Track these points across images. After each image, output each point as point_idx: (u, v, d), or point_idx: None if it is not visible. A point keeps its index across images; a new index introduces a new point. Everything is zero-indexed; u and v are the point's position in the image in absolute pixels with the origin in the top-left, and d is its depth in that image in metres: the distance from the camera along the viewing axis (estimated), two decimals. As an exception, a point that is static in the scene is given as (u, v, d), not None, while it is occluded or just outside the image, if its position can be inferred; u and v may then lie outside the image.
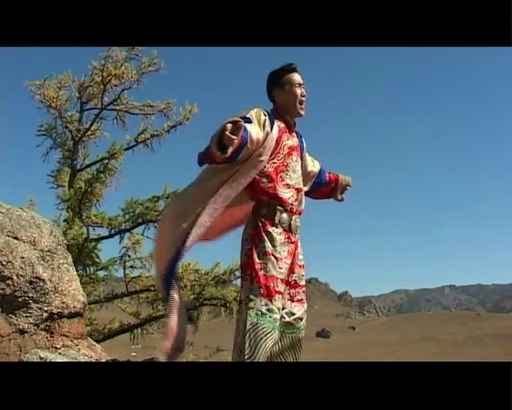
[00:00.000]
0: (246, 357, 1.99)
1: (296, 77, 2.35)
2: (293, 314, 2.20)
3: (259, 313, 2.05)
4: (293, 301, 2.21)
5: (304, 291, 2.28)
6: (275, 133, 2.23)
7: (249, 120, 2.14)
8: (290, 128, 2.34)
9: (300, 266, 2.27)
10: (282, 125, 2.30)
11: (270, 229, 2.17)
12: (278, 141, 2.24)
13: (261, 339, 2.03)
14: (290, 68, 2.36)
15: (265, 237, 2.15)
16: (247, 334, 2.02)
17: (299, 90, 2.33)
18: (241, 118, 2.08)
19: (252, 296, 2.06)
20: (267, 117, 2.22)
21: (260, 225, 2.17)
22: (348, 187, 2.63)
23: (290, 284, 2.21)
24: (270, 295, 2.08)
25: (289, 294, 2.21)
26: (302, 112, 2.35)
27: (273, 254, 2.14)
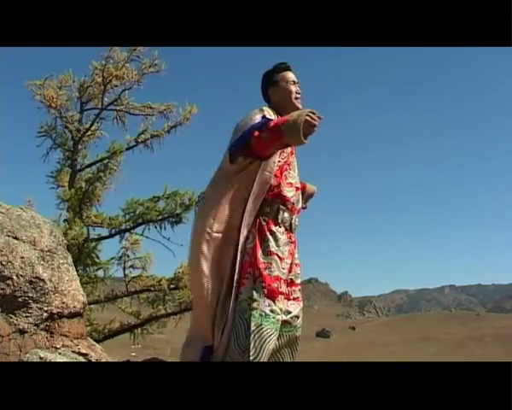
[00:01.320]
0: (251, 358, 1.99)
1: (290, 75, 2.37)
2: (289, 313, 2.19)
3: (263, 313, 2.04)
4: (289, 299, 2.21)
5: (299, 290, 2.28)
6: None
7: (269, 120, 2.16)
8: None
9: (297, 265, 2.27)
10: None
11: (274, 228, 2.17)
12: None
13: (265, 340, 2.02)
14: (284, 67, 2.38)
15: (269, 237, 2.14)
16: (252, 335, 2.01)
17: (294, 88, 2.34)
18: (262, 117, 2.12)
19: (255, 296, 2.05)
20: (275, 117, 2.24)
21: (264, 223, 2.16)
22: (313, 195, 2.64)
23: (287, 283, 2.20)
24: (273, 296, 2.08)
25: (286, 292, 2.20)
26: (299, 105, 2.35)
27: (277, 254, 2.14)
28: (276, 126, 2.02)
